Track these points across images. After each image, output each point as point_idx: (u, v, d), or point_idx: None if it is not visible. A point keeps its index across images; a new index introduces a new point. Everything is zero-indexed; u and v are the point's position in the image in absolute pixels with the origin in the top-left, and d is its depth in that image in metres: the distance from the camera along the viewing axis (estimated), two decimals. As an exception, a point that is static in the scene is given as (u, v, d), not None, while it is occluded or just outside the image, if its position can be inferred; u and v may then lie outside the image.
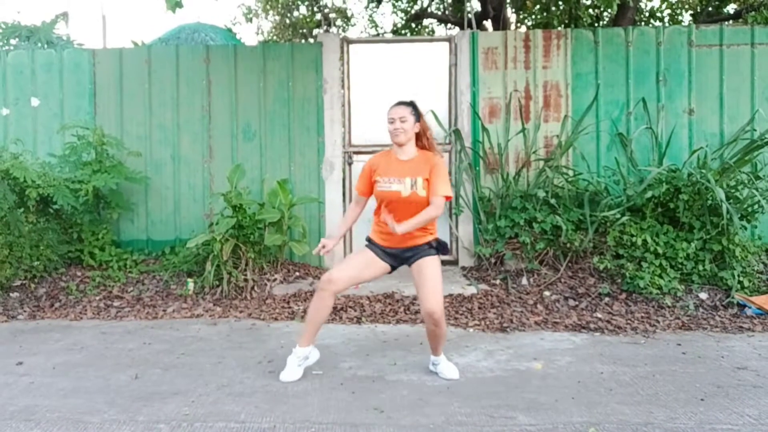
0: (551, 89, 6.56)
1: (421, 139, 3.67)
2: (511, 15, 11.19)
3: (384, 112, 3.67)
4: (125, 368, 3.96)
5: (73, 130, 6.18)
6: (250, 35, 23.12)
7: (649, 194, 5.52)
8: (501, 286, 5.76)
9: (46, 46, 8.35)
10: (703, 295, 5.32)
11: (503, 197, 6.21)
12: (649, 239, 5.45)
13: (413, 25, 12.88)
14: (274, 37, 13.57)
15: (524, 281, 5.77)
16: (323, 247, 3.64)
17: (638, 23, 10.37)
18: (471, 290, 5.66)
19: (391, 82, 6.67)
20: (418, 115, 3.63)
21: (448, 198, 3.55)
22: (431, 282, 3.55)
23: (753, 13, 9.19)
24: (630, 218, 5.65)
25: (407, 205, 3.53)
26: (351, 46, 6.76)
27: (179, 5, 5.72)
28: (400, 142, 3.60)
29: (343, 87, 6.68)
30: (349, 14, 13.63)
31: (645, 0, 11.47)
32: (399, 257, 3.68)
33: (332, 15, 12.80)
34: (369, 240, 3.78)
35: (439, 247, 3.68)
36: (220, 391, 3.56)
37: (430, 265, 3.60)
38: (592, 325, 4.86)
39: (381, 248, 3.69)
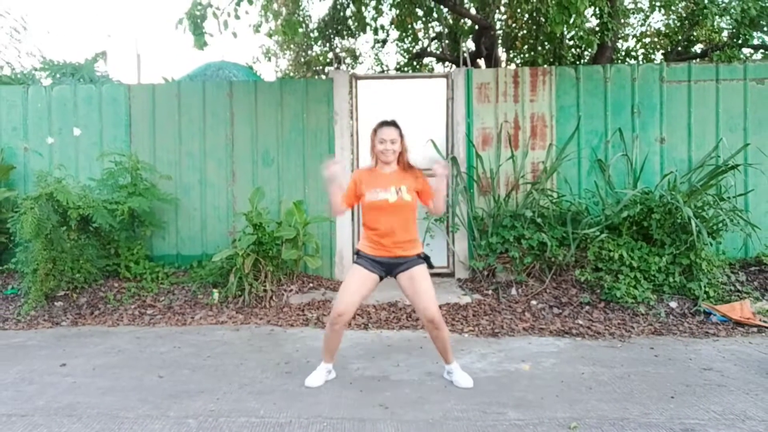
0: (537, 120, 6.63)
1: (402, 156, 3.67)
2: (501, 54, 11.28)
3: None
4: (157, 369, 4.01)
5: (111, 157, 6.30)
6: (269, 72, 23.27)
7: (625, 214, 5.58)
8: (493, 296, 5.79)
9: (87, 81, 8.48)
10: (673, 304, 5.35)
11: (495, 216, 6.26)
12: (625, 254, 5.50)
13: (414, 63, 12.99)
14: (291, 74, 13.72)
15: (513, 292, 5.81)
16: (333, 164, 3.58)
17: (615, 61, 10.46)
18: (466, 300, 5.69)
19: (395, 114, 6.63)
20: (401, 136, 3.67)
21: None
22: (426, 291, 3.50)
23: (718, 52, 9.29)
24: (608, 235, 5.70)
25: (396, 209, 3.51)
26: (359, 82, 6.86)
27: (206, 44, 5.89)
28: (389, 161, 3.63)
29: (351, 118, 6.76)
30: (357, 53, 13.76)
31: (621, 40, 11.61)
32: (389, 266, 3.57)
33: (342, 54, 12.97)
34: (358, 253, 3.67)
35: (427, 259, 3.65)
36: (242, 389, 3.60)
37: (421, 275, 3.53)
38: (574, 331, 4.89)
39: (371, 258, 3.57)
